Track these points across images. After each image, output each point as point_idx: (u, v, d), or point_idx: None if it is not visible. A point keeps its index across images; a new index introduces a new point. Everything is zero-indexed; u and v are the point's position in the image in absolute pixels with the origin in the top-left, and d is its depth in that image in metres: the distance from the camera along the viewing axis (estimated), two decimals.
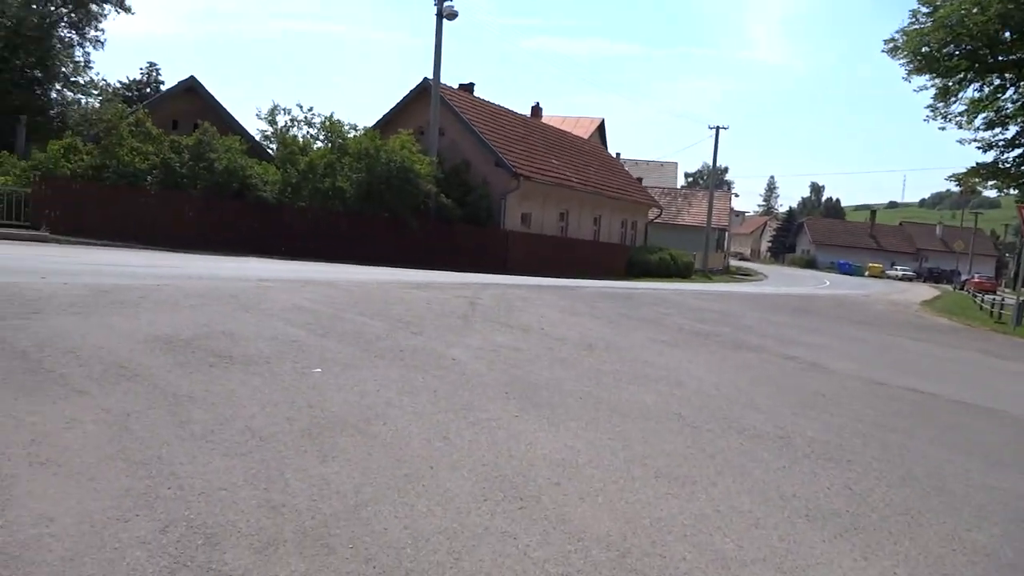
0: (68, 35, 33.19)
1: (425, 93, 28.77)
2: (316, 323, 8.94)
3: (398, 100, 30.86)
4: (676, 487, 4.91)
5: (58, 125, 27.66)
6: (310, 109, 25.52)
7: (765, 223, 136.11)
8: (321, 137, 25.39)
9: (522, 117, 37.73)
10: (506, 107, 36.20)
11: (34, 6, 29.83)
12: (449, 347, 8.57)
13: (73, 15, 32.85)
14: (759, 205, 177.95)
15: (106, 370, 6.07)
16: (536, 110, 43.84)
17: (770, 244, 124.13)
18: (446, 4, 25.83)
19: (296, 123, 26.07)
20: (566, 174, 34.24)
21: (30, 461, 4.13)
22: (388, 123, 29.26)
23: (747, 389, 8.42)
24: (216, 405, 5.47)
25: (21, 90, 28.77)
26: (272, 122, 25.99)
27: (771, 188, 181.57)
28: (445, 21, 25.99)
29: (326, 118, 25.16)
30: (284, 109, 25.28)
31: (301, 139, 24.78)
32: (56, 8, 31.44)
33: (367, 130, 26.03)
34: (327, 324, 8.96)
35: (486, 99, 35.25)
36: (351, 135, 25.32)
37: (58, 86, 32.66)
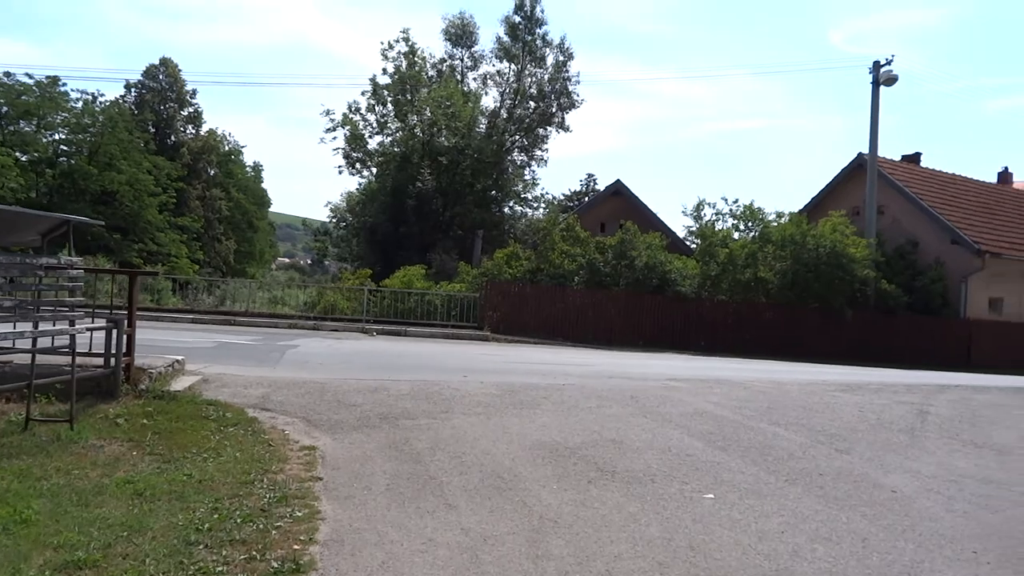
0: (520, 158, 38.19)
1: (860, 170, 26.06)
2: (718, 433, 7.75)
3: (828, 181, 28.55)
4: None
5: (507, 237, 31.42)
6: (735, 201, 24.87)
7: None
8: (741, 227, 24.44)
9: (986, 185, 31.98)
10: (962, 175, 31.08)
11: (493, 136, 34.98)
12: (887, 473, 6.65)
13: (524, 141, 37.74)
14: None
15: (483, 480, 5.72)
16: (1005, 176, 36.93)
17: None
18: (884, 70, 23.27)
19: (721, 216, 25.49)
20: None
21: None
22: (816, 206, 27.14)
23: None
24: (580, 536, 4.65)
25: (481, 209, 33.59)
26: (698, 217, 25.74)
27: None
28: (882, 89, 23.38)
29: (746, 206, 24.18)
30: (709, 203, 25.01)
31: (722, 230, 24.10)
32: (509, 136, 36.44)
33: (792, 215, 24.31)
34: (730, 434, 7.71)
35: (937, 168, 30.73)
36: (774, 223, 23.85)
37: (510, 203, 37.48)
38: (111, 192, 42.08)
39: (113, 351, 7.69)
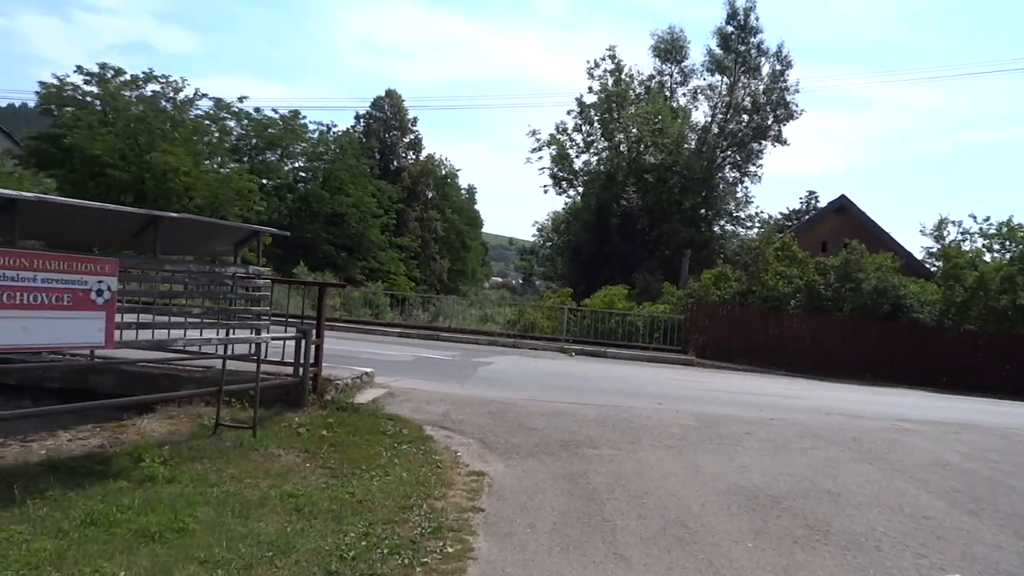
0: (732, 175, 36.27)
1: None
2: (967, 492, 6.30)
3: None
4: None
5: (717, 257, 29.80)
6: (986, 219, 21.66)
7: None
8: (996, 247, 21.12)
9: None
10: None
11: (703, 152, 33.51)
12: None
13: (737, 156, 35.81)
14: None
15: (664, 528, 4.92)
16: None
17: None
18: None
19: (968, 235, 22.27)
20: None
21: None
22: None
23: None
24: None
25: (689, 227, 32.20)
26: (939, 237, 22.75)
27: None
28: None
29: (1002, 223, 20.84)
30: (954, 221, 21.98)
31: (971, 250, 20.98)
32: (721, 151, 34.74)
33: None
34: (984, 495, 6.23)
35: None
36: None
37: (721, 222, 35.63)
38: (340, 214, 45.59)
39: (301, 361, 7.78)
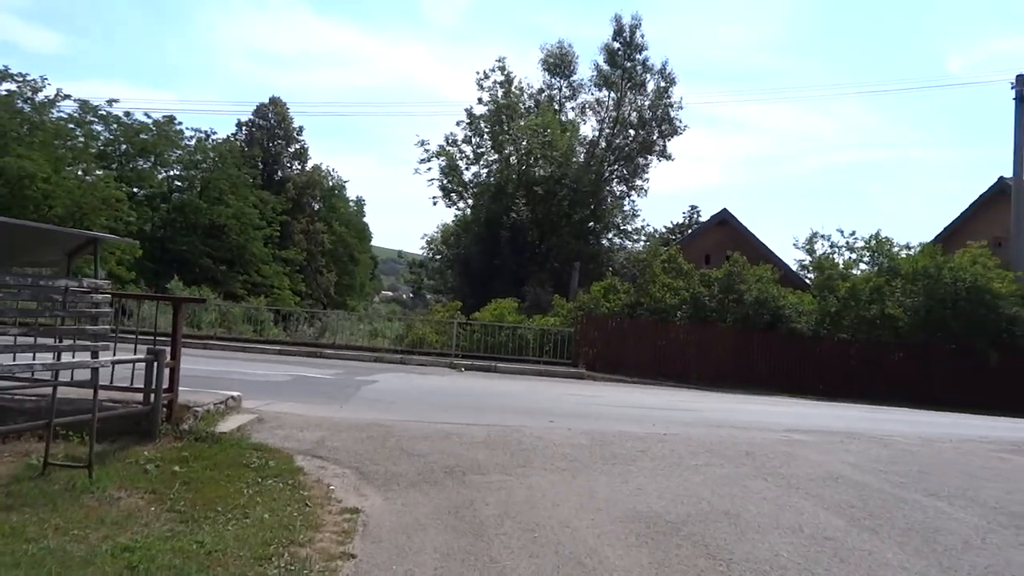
0: (619, 188, 36.82)
1: (1001, 196, 23.42)
2: (862, 507, 6.16)
3: (961, 210, 25.84)
4: None
5: (605, 270, 30.05)
6: (852, 233, 22.71)
7: None
8: (866, 259, 22.16)
9: None
10: None
11: (591, 165, 33.86)
12: None
13: (624, 170, 36.41)
14: None
15: (558, 568, 4.43)
16: None
17: None
18: None
19: (836, 249, 23.46)
20: None
21: None
22: (948, 238, 24.51)
23: None
24: None
25: (578, 240, 32.39)
26: (811, 251, 23.82)
27: None
28: None
29: (871, 236, 21.90)
30: (823, 236, 22.96)
31: (842, 263, 21.94)
32: (609, 165, 35.24)
33: (924, 246, 21.88)
34: (879, 509, 6.10)
35: None
36: (902, 255, 21.53)
37: (609, 235, 36.10)
38: (219, 225, 43.36)
39: (152, 386, 6.87)
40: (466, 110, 33.74)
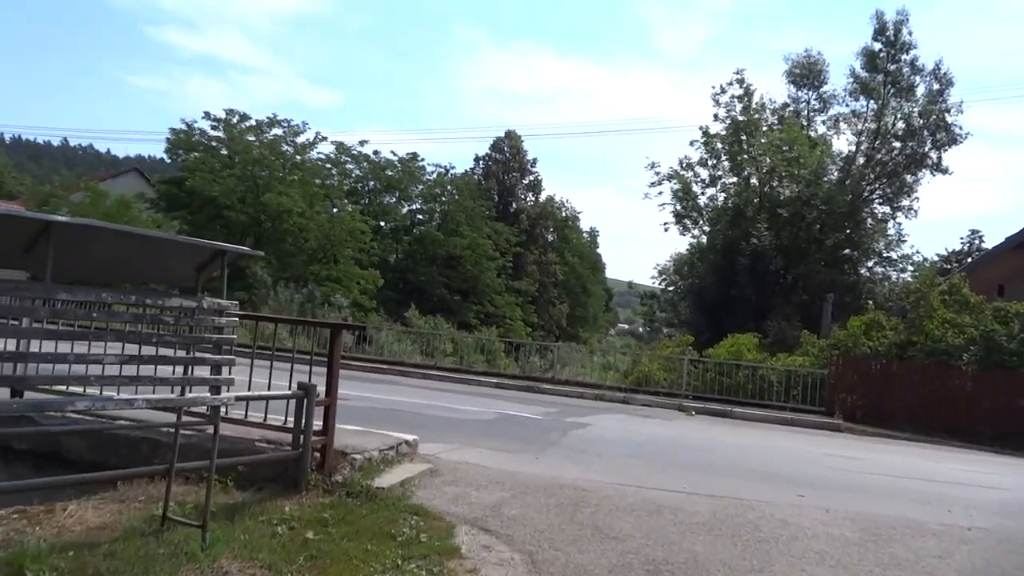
0: (881, 209, 32.23)
1: None
2: None
3: None
4: None
5: (864, 302, 26.08)
6: None
7: None
8: None
9: None
10: None
11: (847, 183, 29.84)
12: None
13: (887, 189, 31.81)
14: None
15: None
16: None
17: None
18: None
19: None
20: None
21: None
22: None
23: None
24: None
25: (830, 269, 28.55)
26: None
27: None
28: None
29: None
30: None
31: None
32: (868, 184, 30.91)
33: None
34: None
35: None
36: None
37: (868, 263, 31.57)
38: (455, 256, 44.60)
39: (302, 428, 5.80)
40: (701, 128, 31.32)
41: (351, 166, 43.55)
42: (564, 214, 61.12)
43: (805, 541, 5.60)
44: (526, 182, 58.12)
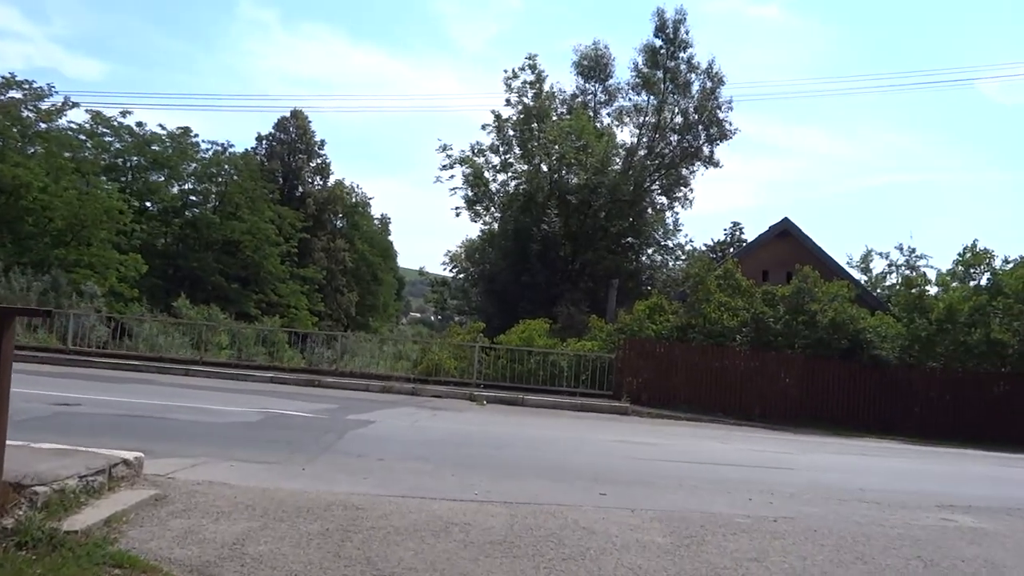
0: (660, 199, 33.73)
1: None
2: None
3: None
4: None
5: (646, 288, 27.04)
6: (911, 250, 19.85)
7: None
8: (959, 273, 18.83)
9: None
10: None
11: (630, 173, 30.78)
12: None
13: (665, 180, 33.30)
14: None
15: None
16: None
17: None
18: None
19: (895, 268, 20.75)
20: None
21: None
22: None
23: None
24: None
25: (616, 255, 29.37)
26: (866, 269, 21.23)
27: None
28: None
29: (965, 248, 18.55)
30: (880, 253, 20.14)
31: (942, 275, 18.71)
32: (649, 175, 32.16)
33: None
34: None
35: None
36: (1005, 267, 18.23)
37: (649, 251, 32.97)
38: (234, 242, 41.12)
39: None
40: (493, 112, 30.95)
41: (111, 139, 38.44)
42: (354, 199, 58.78)
43: (615, 554, 4.79)
44: (314, 165, 55.15)
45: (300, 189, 53.34)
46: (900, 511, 6.80)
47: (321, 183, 55.45)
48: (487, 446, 9.38)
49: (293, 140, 53.94)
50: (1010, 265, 18.87)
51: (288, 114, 54.16)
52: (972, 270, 18.55)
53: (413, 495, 6.02)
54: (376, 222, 63.92)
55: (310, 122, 54.48)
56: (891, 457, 12.23)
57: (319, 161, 55.43)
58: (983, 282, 18.34)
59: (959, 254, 18.74)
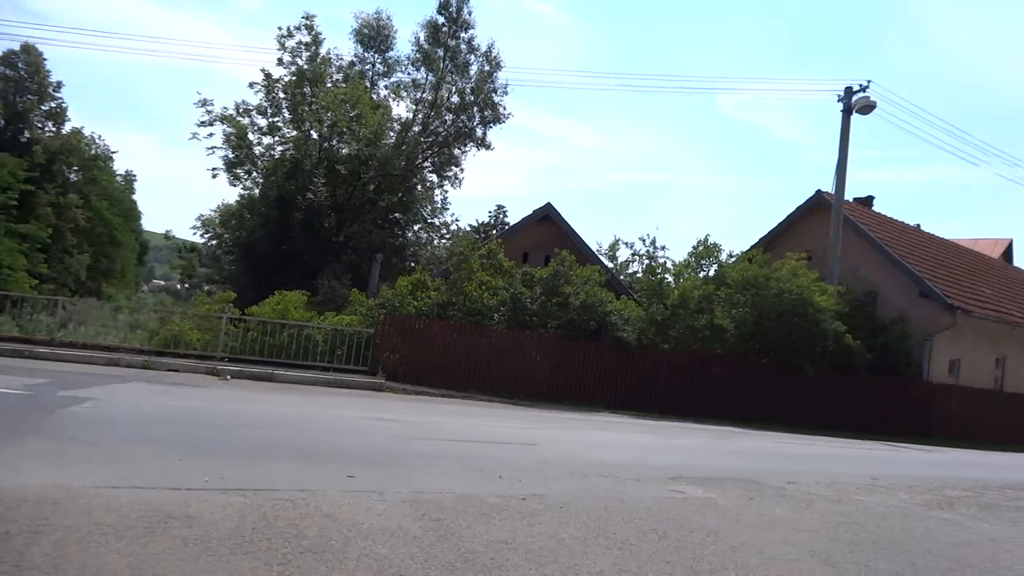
0: (431, 177, 33.67)
1: (819, 209, 23.21)
2: None
3: (782, 219, 25.51)
4: None
5: (410, 264, 26.86)
6: (652, 241, 21.77)
7: None
8: (692, 264, 20.79)
9: (935, 238, 29.91)
10: (916, 225, 28.97)
11: (403, 147, 30.32)
12: None
13: (438, 158, 33.26)
14: None
15: None
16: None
17: None
18: (858, 97, 20.30)
19: (638, 257, 22.72)
20: (1006, 307, 25.52)
21: None
22: (767, 247, 23.89)
23: None
24: None
25: (382, 230, 28.85)
26: (612, 257, 23.03)
27: None
28: (856, 117, 20.45)
29: (699, 241, 20.53)
30: (626, 243, 21.92)
31: (680, 264, 20.42)
32: (422, 152, 31.92)
33: (753, 254, 20.87)
34: None
35: (889, 215, 28.45)
36: (729, 262, 20.40)
37: (415, 227, 32.83)
38: None
39: None
40: (263, 70, 28.90)
41: None
42: (94, 151, 52.30)
43: (360, 543, 4.46)
44: (46, 108, 48.12)
45: (27, 135, 46.35)
46: (637, 485, 7.17)
47: (54, 130, 48.61)
48: (225, 426, 8.59)
49: (23, 78, 46.68)
50: (733, 259, 21.19)
51: (18, 47, 46.75)
52: (703, 262, 20.57)
53: (128, 485, 5.24)
54: (119, 179, 57.48)
55: (45, 59, 47.41)
56: (627, 433, 13.10)
57: (54, 105, 48.50)
58: (711, 273, 20.39)
59: (693, 247, 20.74)
